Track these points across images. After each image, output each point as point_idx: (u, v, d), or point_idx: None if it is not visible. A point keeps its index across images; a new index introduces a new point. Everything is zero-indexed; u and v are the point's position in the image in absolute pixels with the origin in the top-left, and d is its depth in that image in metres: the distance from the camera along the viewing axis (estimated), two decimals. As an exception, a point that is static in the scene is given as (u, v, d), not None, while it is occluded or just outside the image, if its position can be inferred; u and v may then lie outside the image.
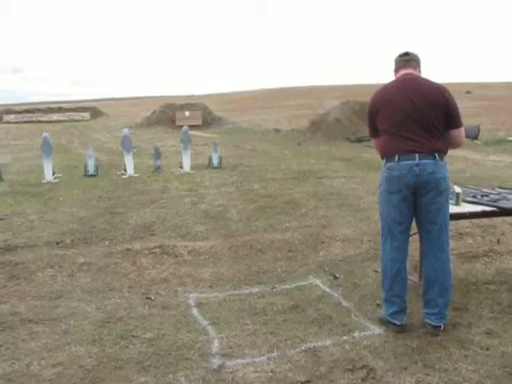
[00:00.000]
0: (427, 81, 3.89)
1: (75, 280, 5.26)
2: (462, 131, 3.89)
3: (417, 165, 3.68)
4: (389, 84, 3.99)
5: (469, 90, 43.70)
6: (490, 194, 5.09)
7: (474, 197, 4.90)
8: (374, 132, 4.04)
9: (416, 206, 3.80)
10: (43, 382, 3.29)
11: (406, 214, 3.83)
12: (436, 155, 3.72)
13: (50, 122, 41.00)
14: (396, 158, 3.74)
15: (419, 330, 3.87)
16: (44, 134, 12.39)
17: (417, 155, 3.69)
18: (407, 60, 3.98)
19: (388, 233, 3.90)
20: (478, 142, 17.58)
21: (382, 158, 3.94)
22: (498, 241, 6.18)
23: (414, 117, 3.73)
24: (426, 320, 3.87)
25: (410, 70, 3.95)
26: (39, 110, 45.06)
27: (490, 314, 4.13)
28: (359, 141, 5.19)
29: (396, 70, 4.04)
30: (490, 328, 3.87)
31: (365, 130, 20.10)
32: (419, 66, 4.02)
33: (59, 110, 45.73)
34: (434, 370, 3.29)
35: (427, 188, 3.71)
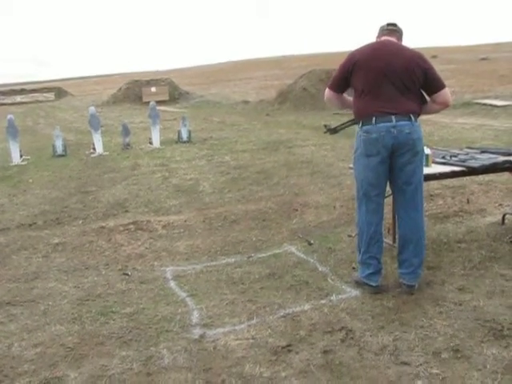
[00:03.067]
0: (407, 48, 3.94)
1: (50, 260, 5.24)
2: (446, 92, 3.93)
3: (394, 126, 3.72)
4: (369, 45, 3.99)
5: (435, 54, 43.84)
6: (459, 154, 5.16)
7: (443, 158, 4.97)
8: (338, 85, 4.03)
9: (391, 167, 3.84)
10: (25, 363, 3.28)
11: (383, 177, 3.88)
12: (411, 116, 3.77)
13: (13, 104, 40.16)
14: (373, 120, 3.76)
15: (394, 289, 3.95)
16: (8, 116, 12.15)
17: (393, 117, 3.72)
18: (393, 30, 4.03)
19: (363, 196, 3.95)
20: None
21: (358, 120, 3.95)
22: (468, 200, 6.29)
23: (389, 78, 3.75)
24: (401, 280, 3.95)
25: (392, 39, 3.99)
26: (1, 93, 44.07)
27: (462, 271, 4.23)
28: (335, 131, 5.23)
29: (379, 37, 4.07)
30: (463, 284, 3.97)
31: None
32: (401, 41, 4.08)
33: (22, 91, 44.75)
34: (410, 328, 3.38)
35: (404, 149, 3.76)
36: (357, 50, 3.97)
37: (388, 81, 3.76)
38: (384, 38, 4.01)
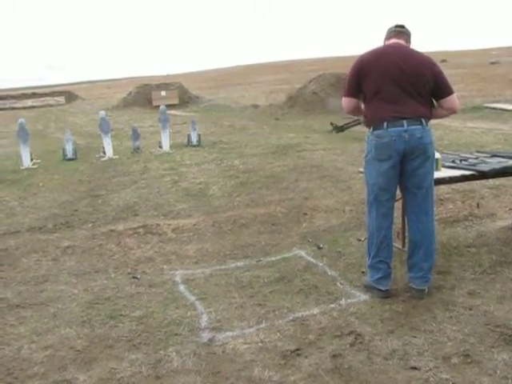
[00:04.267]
0: (416, 52, 3.94)
1: (60, 264, 5.25)
2: (454, 97, 3.93)
3: (405, 131, 3.71)
4: (378, 48, 3.98)
5: (444, 58, 43.72)
6: (469, 158, 5.15)
7: (453, 162, 4.96)
8: (354, 91, 3.98)
9: (402, 171, 3.83)
10: (35, 365, 3.30)
11: (394, 182, 3.87)
12: (423, 120, 3.76)
13: (25, 108, 40.29)
14: (384, 125, 3.74)
15: (404, 294, 3.94)
16: (20, 120, 12.20)
17: (405, 121, 3.71)
18: (401, 32, 4.02)
19: (374, 201, 3.94)
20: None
21: (369, 125, 3.93)
22: (478, 205, 6.27)
23: (400, 82, 3.75)
24: (411, 284, 3.94)
25: (401, 41, 3.99)
26: (12, 97, 44.24)
27: (472, 276, 4.22)
28: (342, 129, 5.24)
29: (387, 39, 4.06)
30: (473, 289, 3.96)
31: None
32: (410, 42, 4.07)
33: (33, 95, 44.88)
34: (419, 332, 3.37)
35: (415, 153, 3.74)
36: (366, 54, 3.95)
37: (398, 85, 3.75)
38: (392, 40, 4.00)
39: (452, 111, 4.01)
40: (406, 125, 3.72)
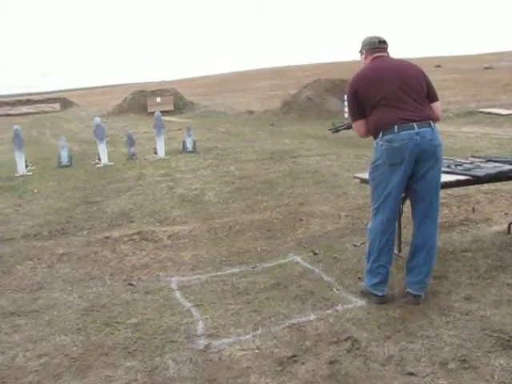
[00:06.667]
0: (404, 60, 4.06)
1: (55, 271, 5.23)
2: (439, 104, 4.00)
3: (417, 133, 3.69)
4: (368, 64, 4.03)
5: (439, 63, 43.89)
6: (464, 163, 5.15)
7: (448, 167, 4.96)
8: (358, 114, 3.99)
9: (412, 174, 3.80)
10: (29, 374, 3.27)
11: (402, 186, 3.84)
12: (431, 123, 3.77)
13: (19, 114, 40.24)
14: (395, 129, 3.72)
15: (400, 299, 3.93)
16: (15, 127, 12.19)
17: (415, 124, 3.70)
18: (384, 48, 4.07)
19: (381, 205, 3.88)
20: (450, 115, 17.74)
21: (377, 132, 3.86)
22: (473, 209, 6.27)
23: (403, 87, 3.78)
24: (408, 289, 3.92)
25: (385, 54, 4.07)
26: (7, 104, 44.19)
27: (469, 281, 4.21)
28: (337, 131, 5.28)
29: (370, 53, 4.07)
30: (469, 294, 3.95)
31: (337, 108, 20.16)
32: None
33: (28, 102, 44.86)
34: (416, 338, 3.36)
35: (426, 156, 3.73)
36: (357, 74, 4.01)
37: (400, 89, 3.79)
38: (376, 54, 4.04)
39: (438, 117, 4.00)
40: (416, 127, 3.70)
